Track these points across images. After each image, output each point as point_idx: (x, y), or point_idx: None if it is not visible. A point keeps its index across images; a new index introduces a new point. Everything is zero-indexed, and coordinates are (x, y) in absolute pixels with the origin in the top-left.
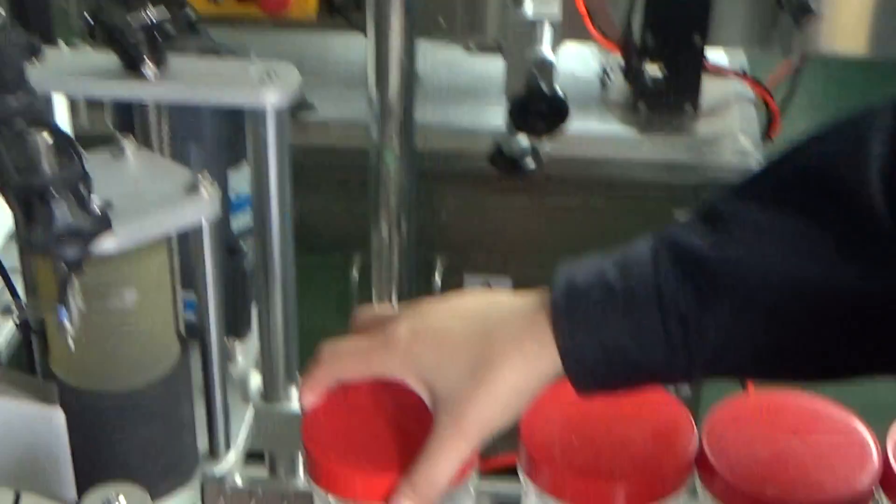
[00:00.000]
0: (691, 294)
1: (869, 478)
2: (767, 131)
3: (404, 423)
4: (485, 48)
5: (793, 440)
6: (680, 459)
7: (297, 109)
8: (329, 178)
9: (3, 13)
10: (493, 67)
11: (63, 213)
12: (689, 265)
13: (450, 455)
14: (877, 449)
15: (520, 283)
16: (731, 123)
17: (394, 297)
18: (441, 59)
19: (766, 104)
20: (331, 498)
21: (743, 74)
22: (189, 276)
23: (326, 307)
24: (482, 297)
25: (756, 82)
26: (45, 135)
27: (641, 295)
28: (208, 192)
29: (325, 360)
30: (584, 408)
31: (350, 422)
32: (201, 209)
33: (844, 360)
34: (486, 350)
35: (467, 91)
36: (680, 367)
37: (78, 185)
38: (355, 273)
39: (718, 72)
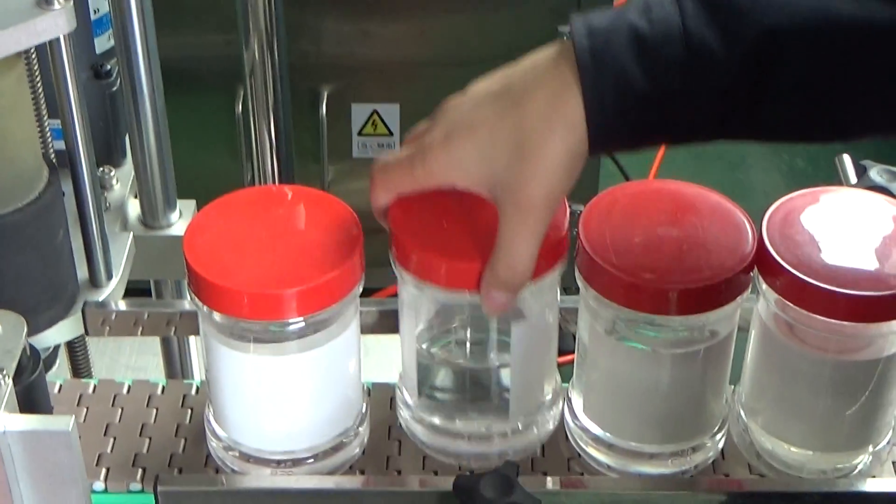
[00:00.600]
0: (718, 33)
1: (746, 261)
2: None
3: (290, 237)
4: None
5: (670, 226)
6: (553, 248)
7: None
8: (204, 10)
9: None
10: None
11: None
12: (715, 3)
13: (525, 237)
14: (752, 233)
15: (407, 109)
16: None
17: (272, 126)
18: None
19: None
20: (216, 316)
21: None
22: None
23: (213, 142)
24: (500, 74)
25: None
26: None
27: (666, 34)
28: (62, 5)
29: (376, 178)
30: (454, 197)
31: (230, 237)
32: (56, 24)
33: (865, 108)
34: (522, 124)
35: None
36: (694, 118)
37: None
38: (239, 106)
39: None
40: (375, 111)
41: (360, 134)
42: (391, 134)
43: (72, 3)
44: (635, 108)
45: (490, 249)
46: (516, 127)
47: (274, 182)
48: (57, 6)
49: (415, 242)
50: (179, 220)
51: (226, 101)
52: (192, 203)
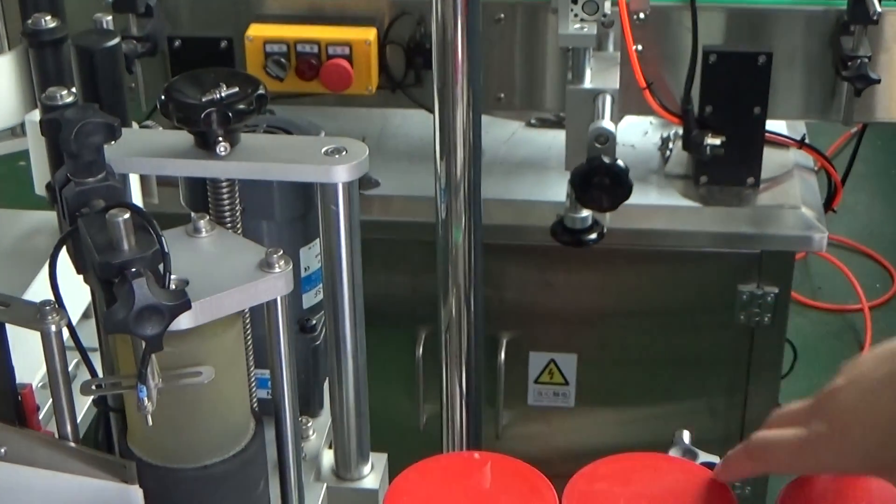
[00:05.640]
0: None
1: None
2: (829, 201)
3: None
4: (545, 123)
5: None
6: None
7: (361, 185)
8: (392, 254)
9: (77, 94)
10: (552, 141)
11: (143, 291)
12: None
13: None
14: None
15: (586, 359)
16: (793, 194)
17: (463, 375)
18: (500, 133)
19: (828, 174)
20: None
21: (803, 144)
22: (262, 354)
23: (391, 384)
24: (878, 357)
25: (816, 152)
26: (125, 215)
27: None
28: (282, 269)
29: (753, 452)
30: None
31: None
32: (275, 286)
33: None
34: None
35: (527, 165)
36: None
37: (157, 264)
38: (420, 349)
39: (778, 142)
40: (553, 360)
41: (536, 382)
42: (567, 383)
43: (291, 266)
44: None
45: None
46: None
47: (462, 430)
48: (277, 269)
49: None
50: (371, 472)
51: (406, 344)
52: (383, 456)
